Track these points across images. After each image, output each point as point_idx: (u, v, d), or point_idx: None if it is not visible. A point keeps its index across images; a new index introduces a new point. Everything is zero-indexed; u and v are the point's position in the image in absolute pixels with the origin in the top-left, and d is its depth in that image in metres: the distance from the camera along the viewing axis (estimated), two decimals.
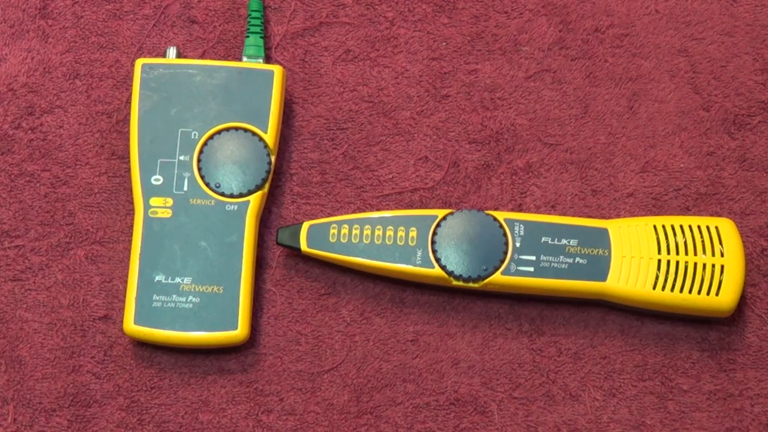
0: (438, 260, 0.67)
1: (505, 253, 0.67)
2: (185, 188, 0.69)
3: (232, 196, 0.69)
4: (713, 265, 0.67)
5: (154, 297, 0.67)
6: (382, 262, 0.68)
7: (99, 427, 0.68)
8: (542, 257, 0.67)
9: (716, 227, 0.68)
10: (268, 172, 0.69)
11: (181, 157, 0.69)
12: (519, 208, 0.71)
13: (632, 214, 0.71)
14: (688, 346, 0.69)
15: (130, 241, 0.70)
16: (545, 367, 0.69)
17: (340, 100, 0.73)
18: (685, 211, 0.72)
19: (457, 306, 0.70)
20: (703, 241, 0.67)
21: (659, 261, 0.67)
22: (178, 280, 0.67)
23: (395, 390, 0.68)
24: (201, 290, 0.67)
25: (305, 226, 0.69)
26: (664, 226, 0.68)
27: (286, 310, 0.70)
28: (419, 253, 0.68)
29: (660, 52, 0.74)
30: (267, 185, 0.70)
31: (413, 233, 0.68)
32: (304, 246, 0.68)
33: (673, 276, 0.67)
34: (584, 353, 0.69)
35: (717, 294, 0.67)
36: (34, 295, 0.70)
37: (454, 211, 0.68)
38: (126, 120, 0.72)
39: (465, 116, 0.73)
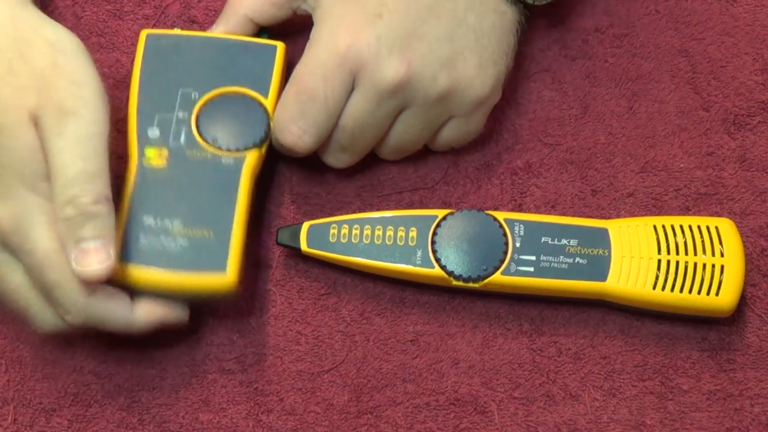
0: (438, 260, 0.67)
1: (505, 253, 0.67)
2: (182, 140, 0.68)
3: (228, 150, 0.68)
4: (713, 265, 0.67)
5: (141, 237, 0.66)
6: (382, 262, 0.68)
7: (99, 427, 0.68)
8: (542, 257, 0.67)
9: (716, 227, 0.68)
10: (266, 132, 0.69)
11: (180, 114, 0.68)
12: (519, 208, 0.71)
13: (632, 214, 0.71)
14: (688, 346, 0.69)
15: None
16: (545, 367, 0.69)
17: None
18: (685, 211, 0.72)
19: (457, 306, 0.70)
20: (703, 241, 0.67)
21: (659, 261, 0.67)
22: (167, 222, 0.66)
23: (395, 390, 0.68)
24: (190, 234, 0.66)
25: (305, 226, 0.69)
26: (664, 226, 0.68)
27: (286, 310, 0.70)
28: (419, 253, 0.68)
29: (660, 52, 0.74)
30: (264, 146, 0.69)
31: (413, 233, 0.68)
32: (304, 246, 0.68)
33: (673, 276, 0.67)
34: (584, 353, 0.69)
35: (717, 294, 0.67)
36: None
37: (454, 211, 0.68)
38: (125, 120, 0.72)
39: None
